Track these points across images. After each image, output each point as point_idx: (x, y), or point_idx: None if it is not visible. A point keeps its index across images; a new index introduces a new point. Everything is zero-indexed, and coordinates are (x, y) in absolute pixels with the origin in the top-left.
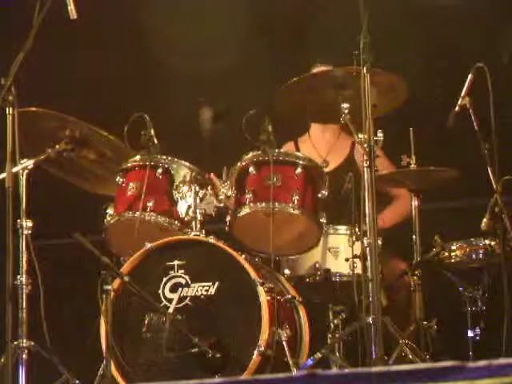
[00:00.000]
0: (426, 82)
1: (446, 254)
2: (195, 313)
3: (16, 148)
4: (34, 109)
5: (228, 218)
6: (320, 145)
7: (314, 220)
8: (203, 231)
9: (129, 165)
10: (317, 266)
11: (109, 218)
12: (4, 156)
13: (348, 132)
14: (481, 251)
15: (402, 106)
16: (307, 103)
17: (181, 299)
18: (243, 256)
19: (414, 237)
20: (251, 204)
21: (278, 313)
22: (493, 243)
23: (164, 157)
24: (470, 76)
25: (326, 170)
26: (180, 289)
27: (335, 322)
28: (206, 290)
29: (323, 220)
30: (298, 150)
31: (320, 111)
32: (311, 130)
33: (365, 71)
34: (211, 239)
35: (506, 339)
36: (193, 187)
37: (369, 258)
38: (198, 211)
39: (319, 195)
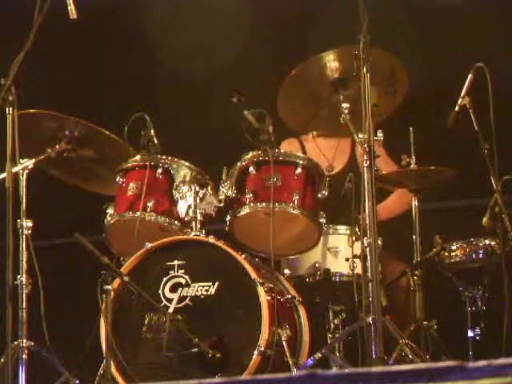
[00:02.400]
0: (427, 82)
1: (446, 253)
2: (195, 313)
3: (16, 148)
4: (33, 111)
5: (228, 218)
6: (325, 148)
7: (314, 220)
8: (203, 231)
9: (129, 165)
10: (317, 265)
11: (109, 218)
12: (4, 156)
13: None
14: (481, 251)
15: (402, 107)
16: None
17: (181, 299)
18: (243, 256)
19: (414, 237)
20: (251, 204)
21: (278, 313)
22: (493, 243)
23: (164, 157)
24: (469, 76)
25: (332, 172)
26: (180, 289)
27: (335, 321)
28: (206, 290)
29: (323, 220)
30: (302, 147)
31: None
32: (316, 133)
33: (365, 71)
34: (211, 239)
35: (506, 339)
36: (193, 187)
37: (369, 257)
38: (198, 211)
39: (319, 195)
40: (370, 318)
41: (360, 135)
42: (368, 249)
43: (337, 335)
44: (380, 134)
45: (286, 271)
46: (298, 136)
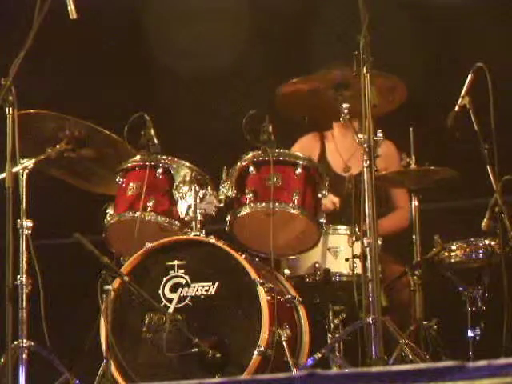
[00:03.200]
0: (426, 82)
1: (446, 254)
2: (195, 313)
3: (16, 148)
4: (33, 111)
5: (228, 218)
6: (342, 149)
7: (314, 220)
8: (203, 231)
9: (129, 165)
10: (317, 266)
11: (109, 218)
12: (4, 156)
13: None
14: (481, 251)
15: (402, 107)
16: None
17: (181, 299)
18: (243, 256)
19: (414, 237)
20: (251, 204)
21: (278, 313)
22: (493, 243)
23: (164, 157)
24: (469, 76)
25: (348, 174)
26: (180, 289)
27: (335, 321)
28: (206, 290)
29: (323, 220)
30: (322, 142)
31: (320, 111)
32: (334, 132)
33: (365, 71)
34: (211, 239)
35: (506, 339)
36: (193, 187)
37: (369, 257)
38: (198, 211)
39: (319, 195)
40: (370, 318)
41: (360, 135)
42: (368, 249)
43: (337, 335)
44: (380, 134)
45: (286, 271)
46: (321, 131)
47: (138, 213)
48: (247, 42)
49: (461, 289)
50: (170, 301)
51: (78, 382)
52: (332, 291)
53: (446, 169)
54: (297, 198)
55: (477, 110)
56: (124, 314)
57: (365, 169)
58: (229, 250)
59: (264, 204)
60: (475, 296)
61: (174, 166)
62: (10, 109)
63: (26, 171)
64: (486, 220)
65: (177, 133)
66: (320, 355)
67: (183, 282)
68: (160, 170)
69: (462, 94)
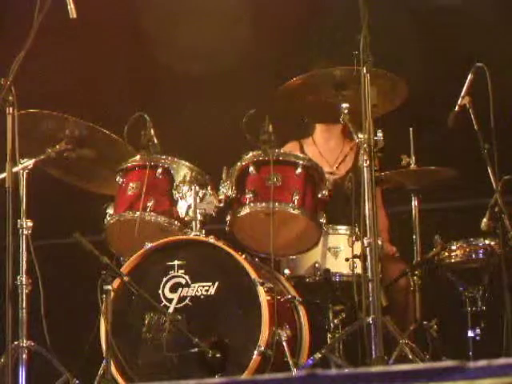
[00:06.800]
0: (426, 82)
1: (446, 253)
2: (195, 313)
3: (16, 148)
4: (33, 111)
5: (228, 218)
6: (326, 153)
7: (314, 220)
8: (203, 231)
9: (129, 165)
10: (317, 266)
11: (109, 218)
12: (4, 156)
13: (350, 137)
14: (481, 251)
15: (402, 107)
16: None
17: (181, 299)
18: (243, 256)
19: (414, 237)
20: (251, 204)
21: (278, 313)
22: (493, 243)
23: (164, 157)
24: (469, 76)
25: (335, 176)
26: (180, 289)
27: (335, 321)
28: (206, 290)
29: (323, 220)
30: (302, 151)
31: (320, 111)
32: (315, 137)
33: (365, 71)
34: (211, 239)
35: (506, 339)
36: (193, 187)
37: (369, 257)
38: (198, 211)
39: (319, 195)
40: (370, 318)
41: (360, 135)
42: (368, 249)
43: (337, 335)
44: (380, 134)
45: (286, 271)
46: (298, 139)
47: (138, 213)
48: (247, 42)
49: (461, 289)
50: (170, 301)
51: (77, 382)
52: (332, 291)
53: (446, 169)
54: (297, 197)
55: (477, 110)
56: (124, 314)
57: (365, 169)
58: (229, 250)
59: (264, 204)
60: (475, 296)
61: (174, 165)
62: (10, 109)
63: (26, 171)
64: (485, 220)
65: (177, 133)
66: (320, 355)
67: (183, 282)
68: (160, 170)
69: (462, 93)
